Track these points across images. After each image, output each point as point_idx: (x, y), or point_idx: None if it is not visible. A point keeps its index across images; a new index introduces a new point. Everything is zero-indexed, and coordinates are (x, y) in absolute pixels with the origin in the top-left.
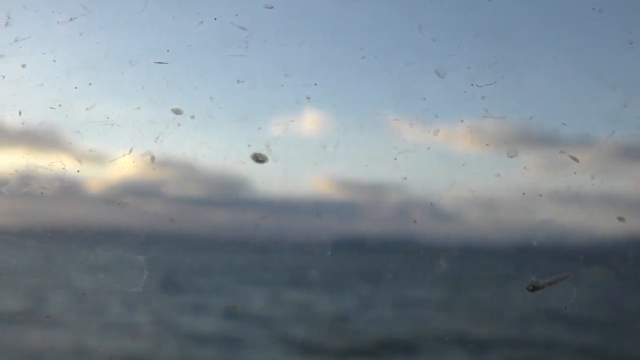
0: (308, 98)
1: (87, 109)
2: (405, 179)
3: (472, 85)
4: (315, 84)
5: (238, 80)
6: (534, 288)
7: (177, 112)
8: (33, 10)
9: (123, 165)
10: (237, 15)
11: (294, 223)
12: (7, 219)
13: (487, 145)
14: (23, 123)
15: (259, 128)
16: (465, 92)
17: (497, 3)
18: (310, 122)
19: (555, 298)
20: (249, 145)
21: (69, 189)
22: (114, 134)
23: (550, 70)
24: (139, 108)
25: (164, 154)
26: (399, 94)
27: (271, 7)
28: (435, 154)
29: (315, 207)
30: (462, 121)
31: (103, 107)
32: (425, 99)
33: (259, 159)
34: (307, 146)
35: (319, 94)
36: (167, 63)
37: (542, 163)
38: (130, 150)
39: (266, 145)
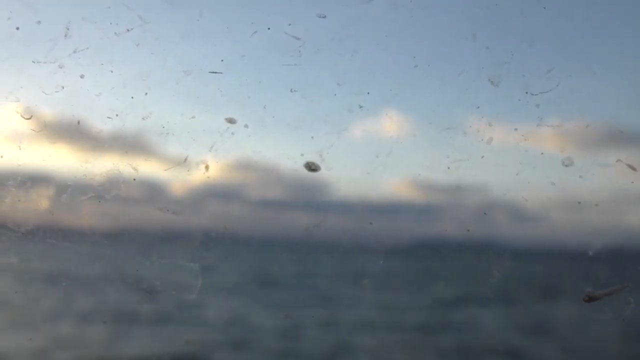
0: (360, 107)
1: (143, 118)
2: (459, 187)
3: (526, 93)
4: (368, 93)
5: (291, 90)
6: (590, 299)
7: (231, 121)
8: (91, 22)
9: (178, 173)
10: (290, 25)
11: (346, 228)
12: (64, 227)
13: (541, 153)
14: (81, 133)
15: (312, 137)
16: (519, 100)
17: (552, 10)
18: (362, 130)
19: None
20: (302, 154)
21: (125, 196)
22: (169, 143)
23: (607, 78)
24: (193, 117)
25: (222, 160)
26: (452, 102)
27: (324, 17)
28: (488, 163)
29: (367, 214)
30: (516, 129)
31: (158, 116)
32: (478, 107)
33: (311, 167)
34: (360, 155)
35: (371, 103)
36: (221, 73)
37: (598, 171)
38: (185, 159)
39: (319, 154)
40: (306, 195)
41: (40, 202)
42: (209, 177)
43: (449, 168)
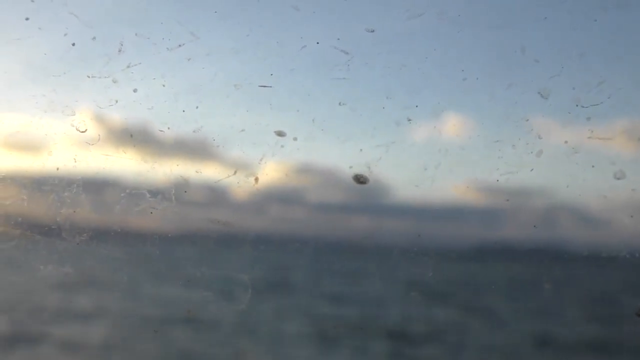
0: (409, 120)
1: (194, 131)
2: (508, 200)
3: (577, 105)
4: (417, 106)
5: (340, 103)
6: None
7: (280, 134)
8: (144, 38)
9: (228, 185)
10: (339, 39)
11: (395, 237)
12: (118, 238)
13: (592, 166)
14: (134, 146)
15: (360, 150)
16: (569, 113)
17: (604, 22)
18: (411, 143)
19: None
20: (351, 167)
21: (177, 209)
22: (219, 156)
23: None
24: (243, 130)
25: (271, 173)
26: (501, 115)
27: (372, 31)
28: (538, 175)
29: (415, 225)
30: (566, 142)
31: (209, 129)
32: (528, 120)
33: (360, 180)
34: (408, 167)
35: (420, 116)
36: (270, 87)
37: None
38: (235, 172)
39: (367, 167)
40: (356, 205)
41: (95, 213)
42: (258, 189)
43: (497, 180)
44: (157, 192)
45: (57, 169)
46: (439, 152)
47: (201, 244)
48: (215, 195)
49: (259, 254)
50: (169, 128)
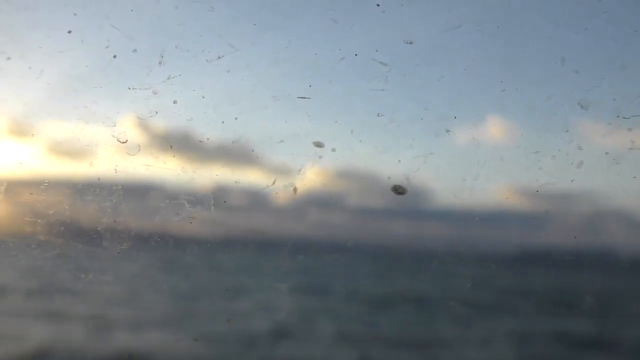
0: (447, 131)
1: (233, 142)
2: (547, 211)
3: (617, 116)
4: (455, 117)
5: (378, 114)
6: None
7: (318, 145)
8: (184, 50)
9: (267, 195)
10: (377, 51)
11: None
12: (158, 248)
13: (634, 177)
14: (174, 156)
15: (399, 161)
16: (610, 124)
17: None
18: (449, 155)
19: None
20: (389, 178)
21: (215, 219)
22: (258, 166)
23: None
24: (282, 141)
25: (309, 184)
26: (541, 126)
27: (411, 43)
28: (578, 187)
29: (454, 235)
30: (607, 153)
31: (248, 140)
32: (567, 131)
33: (398, 190)
34: (447, 178)
35: (458, 127)
36: (309, 98)
37: None
38: (274, 182)
39: (406, 178)
40: (394, 214)
41: (135, 222)
42: (297, 199)
43: (537, 191)
44: (197, 202)
45: (99, 178)
46: (477, 164)
47: (241, 252)
48: (254, 205)
49: (301, 261)
50: (208, 139)
